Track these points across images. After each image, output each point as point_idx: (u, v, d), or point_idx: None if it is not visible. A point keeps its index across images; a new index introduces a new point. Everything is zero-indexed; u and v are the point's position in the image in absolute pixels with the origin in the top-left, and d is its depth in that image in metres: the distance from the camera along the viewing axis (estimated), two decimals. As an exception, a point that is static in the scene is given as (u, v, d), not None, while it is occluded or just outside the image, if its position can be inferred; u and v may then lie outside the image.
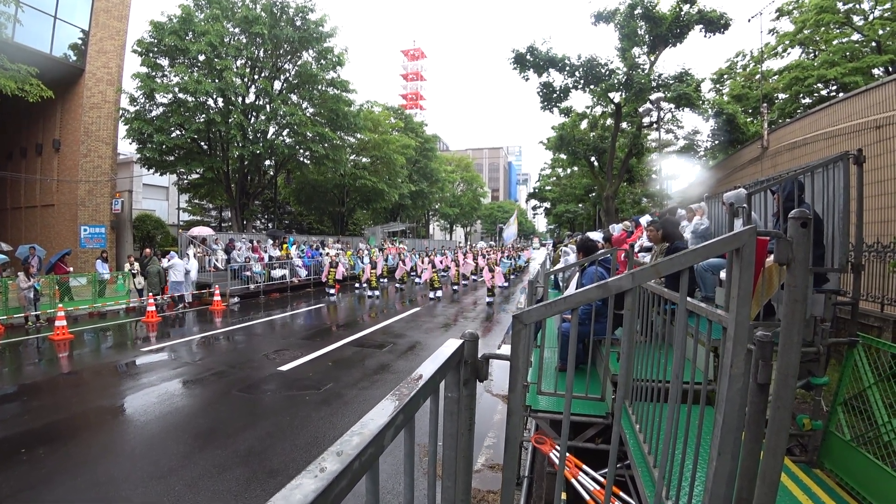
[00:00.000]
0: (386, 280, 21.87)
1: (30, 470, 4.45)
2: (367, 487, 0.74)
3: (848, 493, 3.16)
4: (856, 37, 20.72)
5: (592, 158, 27.86)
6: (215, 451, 4.88)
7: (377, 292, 17.64)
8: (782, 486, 2.88)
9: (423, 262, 20.63)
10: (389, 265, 22.45)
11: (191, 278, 15.51)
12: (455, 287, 19.84)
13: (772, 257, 3.04)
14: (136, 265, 15.34)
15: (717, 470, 1.16)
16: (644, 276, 1.20)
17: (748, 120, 22.66)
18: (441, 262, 21.69)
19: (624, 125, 25.55)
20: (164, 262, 14.65)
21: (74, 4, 19.50)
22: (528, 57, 21.64)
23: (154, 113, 21.19)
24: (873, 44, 19.84)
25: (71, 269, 14.62)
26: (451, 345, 1.12)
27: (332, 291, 18.32)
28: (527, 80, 22.61)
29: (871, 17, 19.95)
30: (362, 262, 19.70)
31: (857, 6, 20.26)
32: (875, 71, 18.82)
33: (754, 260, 1.10)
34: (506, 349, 1.37)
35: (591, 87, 21.95)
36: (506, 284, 19.58)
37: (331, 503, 0.51)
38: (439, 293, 17.31)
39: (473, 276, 23.49)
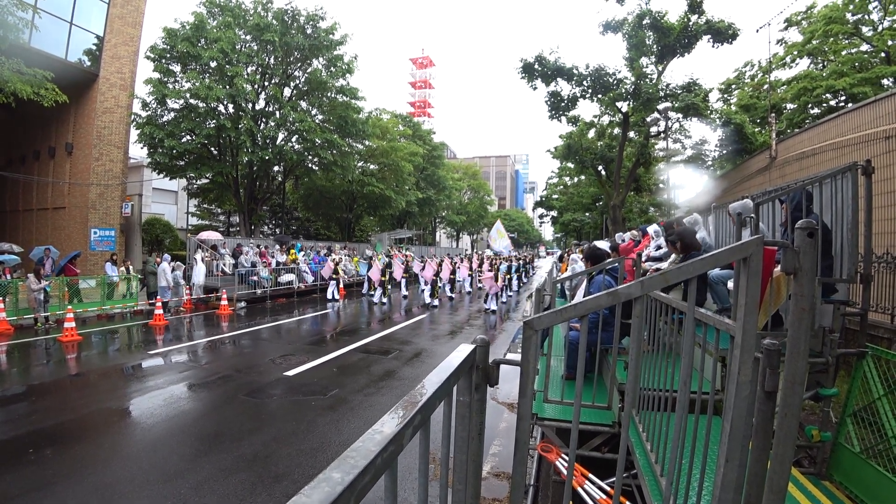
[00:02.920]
0: (391, 287, 21.86)
1: (38, 470, 4.49)
2: (386, 485, 0.76)
3: (857, 507, 3.14)
4: (865, 47, 20.69)
5: (600, 167, 27.87)
6: (221, 455, 4.89)
7: (384, 299, 17.66)
8: (791, 497, 2.87)
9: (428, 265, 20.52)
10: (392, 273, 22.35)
11: (198, 282, 15.65)
12: (452, 296, 19.85)
13: (779, 267, 3.04)
14: (132, 269, 15.52)
15: (725, 476, 1.17)
16: (653, 283, 1.22)
17: (756, 130, 22.61)
18: (458, 269, 21.55)
19: (631, 134, 25.57)
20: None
21: (90, 11, 19.86)
22: (536, 66, 21.76)
23: (165, 118, 21.46)
24: (882, 54, 19.80)
25: (78, 271, 14.76)
26: (462, 350, 1.14)
27: (338, 297, 18.36)
28: (535, 89, 22.72)
29: (880, 28, 19.93)
30: (369, 270, 19.61)
31: (866, 17, 20.25)
32: (884, 81, 18.74)
33: (761, 269, 1.11)
34: (511, 357, 1.39)
35: (599, 96, 22.02)
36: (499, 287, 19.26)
37: (356, 496, 0.54)
38: (436, 301, 17.35)
39: (480, 285, 23.41)
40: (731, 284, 3.89)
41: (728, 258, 1.17)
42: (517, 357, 1.29)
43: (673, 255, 5.03)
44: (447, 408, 1.06)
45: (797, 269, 1.11)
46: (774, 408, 1.22)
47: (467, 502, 1.18)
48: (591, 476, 3.25)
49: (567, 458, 3.42)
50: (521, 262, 27.56)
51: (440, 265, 18.81)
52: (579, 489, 3.15)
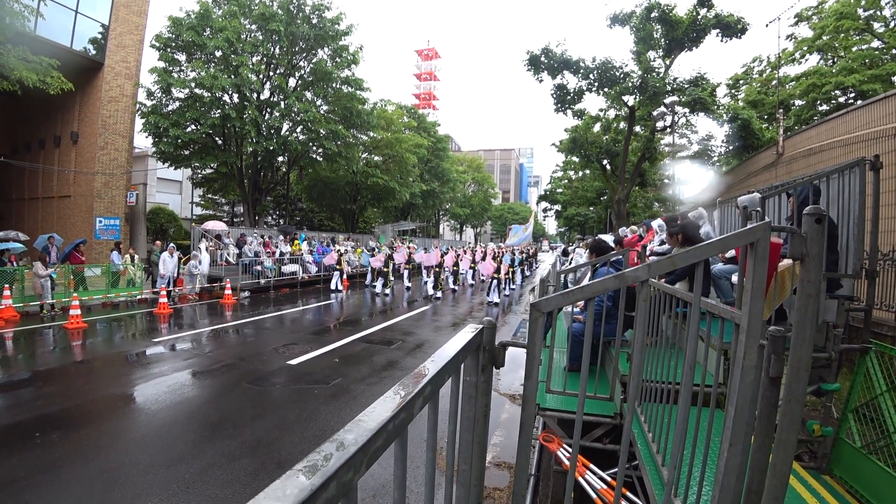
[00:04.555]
0: (394, 279, 21.85)
1: (44, 454, 4.54)
2: (396, 454, 0.77)
3: (857, 501, 3.15)
4: (876, 44, 20.46)
5: (605, 162, 27.76)
6: (225, 441, 4.94)
7: (387, 290, 17.70)
8: (792, 489, 2.88)
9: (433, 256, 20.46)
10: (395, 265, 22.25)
11: (203, 271, 15.71)
12: (455, 288, 19.84)
13: (785, 261, 3.04)
14: (137, 258, 15.64)
15: (728, 462, 1.17)
16: (660, 267, 1.22)
17: (763, 126, 22.45)
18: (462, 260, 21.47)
19: (637, 129, 25.46)
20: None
21: (95, -1, 19.84)
22: (542, 59, 21.65)
23: (170, 107, 21.44)
24: (893, 51, 19.58)
25: (84, 259, 14.82)
26: (470, 329, 1.15)
27: (341, 288, 18.40)
28: (541, 81, 22.65)
29: (892, 25, 19.69)
30: (373, 258, 19.61)
31: (878, 13, 20.01)
32: (895, 79, 18.56)
33: (768, 254, 1.11)
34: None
35: (606, 89, 21.91)
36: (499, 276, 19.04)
37: (368, 458, 0.54)
38: (439, 293, 17.37)
39: (482, 278, 23.32)
40: (734, 278, 3.89)
41: (735, 243, 1.17)
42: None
43: (675, 249, 5.02)
44: (454, 386, 1.07)
45: (804, 254, 1.11)
46: (778, 395, 1.22)
47: (472, 483, 1.19)
48: (592, 466, 3.27)
49: (568, 448, 3.44)
50: (524, 254, 27.42)
51: (443, 256, 18.80)
52: (580, 479, 3.17)
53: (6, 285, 11.21)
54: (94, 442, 4.87)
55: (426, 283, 18.17)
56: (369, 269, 20.02)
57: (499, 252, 21.50)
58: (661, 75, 20.97)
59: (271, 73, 23.69)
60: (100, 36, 20.34)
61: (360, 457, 0.53)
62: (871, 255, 3.94)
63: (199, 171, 28.25)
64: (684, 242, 4.66)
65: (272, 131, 22.65)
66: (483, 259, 20.59)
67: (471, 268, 22.94)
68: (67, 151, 21.61)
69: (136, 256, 15.85)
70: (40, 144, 22.97)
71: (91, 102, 20.80)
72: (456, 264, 20.46)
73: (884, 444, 3.32)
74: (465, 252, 23.82)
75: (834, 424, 3.64)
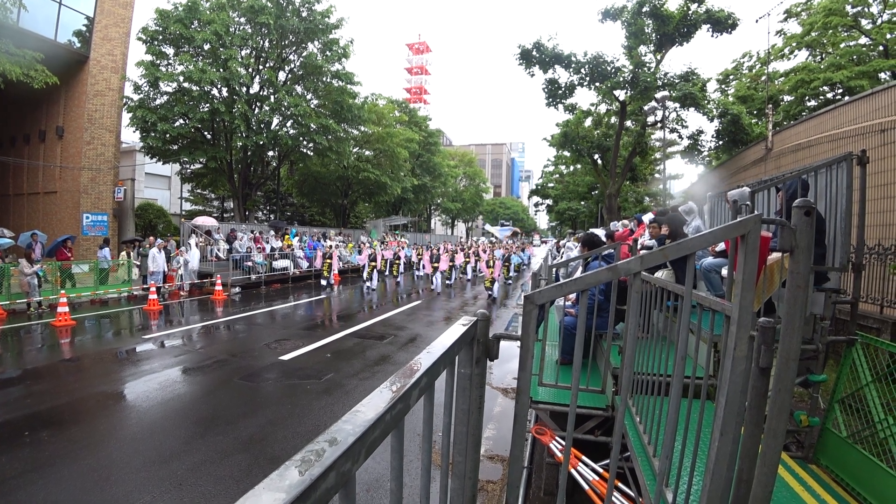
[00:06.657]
0: (386, 273, 21.82)
1: (33, 452, 4.50)
2: (393, 446, 0.77)
3: (843, 489, 3.21)
4: (863, 40, 20.67)
5: (596, 156, 27.84)
6: (217, 438, 4.92)
7: (374, 284, 17.68)
8: (780, 478, 2.93)
9: (424, 254, 20.41)
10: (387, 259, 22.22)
11: (192, 267, 15.59)
12: (449, 282, 19.82)
13: (773, 255, 3.08)
14: (132, 254, 15.48)
15: (720, 450, 1.19)
16: (652, 258, 1.23)
17: (753, 121, 22.63)
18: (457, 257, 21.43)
19: (628, 123, 25.54)
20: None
21: (79, -10, 19.46)
22: (533, 53, 21.63)
23: (158, 101, 21.17)
24: (881, 48, 19.79)
25: (70, 255, 14.63)
26: (465, 321, 1.15)
27: (332, 283, 18.35)
28: (532, 76, 22.64)
29: (879, 21, 19.90)
30: (359, 255, 19.57)
31: (866, 10, 20.21)
32: (882, 75, 18.78)
33: (759, 246, 1.13)
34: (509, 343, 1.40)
35: (597, 84, 21.94)
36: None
37: (367, 448, 0.55)
38: (432, 287, 17.38)
39: (474, 272, 23.34)
40: (724, 272, 3.94)
41: (727, 235, 1.19)
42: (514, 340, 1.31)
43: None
44: (449, 377, 1.07)
45: (794, 246, 1.12)
46: (768, 385, 1.24)
47: (467, 474, 1.20)
48: (584, 458, 3.30)
49: (561, 440, 3.47)
50: (517, 251, 27.51)
51: (436, 261, 18.78)
52: (573, 471, 3.20)
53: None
54: (85, 440, 4.83)
55: (420, 278, 18.18)
56: (366, 264, 19.97)
57: (490, 249, 21.49)
58: (652, 70, 21.04)
59: (261, 67, 23.46)
60: (85, 28, 19.96)
61: (357, 447, 0.53)
62: (857, 248, 4.00)
63: (188, 166, 27.94)
64: (670, 236, 4.69)
65: (262, 126, 22.45)
66: (480, 257, 20.52)
67: (465, 262, 22.88)
68: (53, 146, 21.23)
69: (132, 253, 15.67)
70: (25, 139, 22.57)
71: (76, 96, 20.43)
72: (452, 260, 20.47)
73: (868, 433, 3.39)
74: (458, 251, 23.72)
75: (820, 415, 3.71)
